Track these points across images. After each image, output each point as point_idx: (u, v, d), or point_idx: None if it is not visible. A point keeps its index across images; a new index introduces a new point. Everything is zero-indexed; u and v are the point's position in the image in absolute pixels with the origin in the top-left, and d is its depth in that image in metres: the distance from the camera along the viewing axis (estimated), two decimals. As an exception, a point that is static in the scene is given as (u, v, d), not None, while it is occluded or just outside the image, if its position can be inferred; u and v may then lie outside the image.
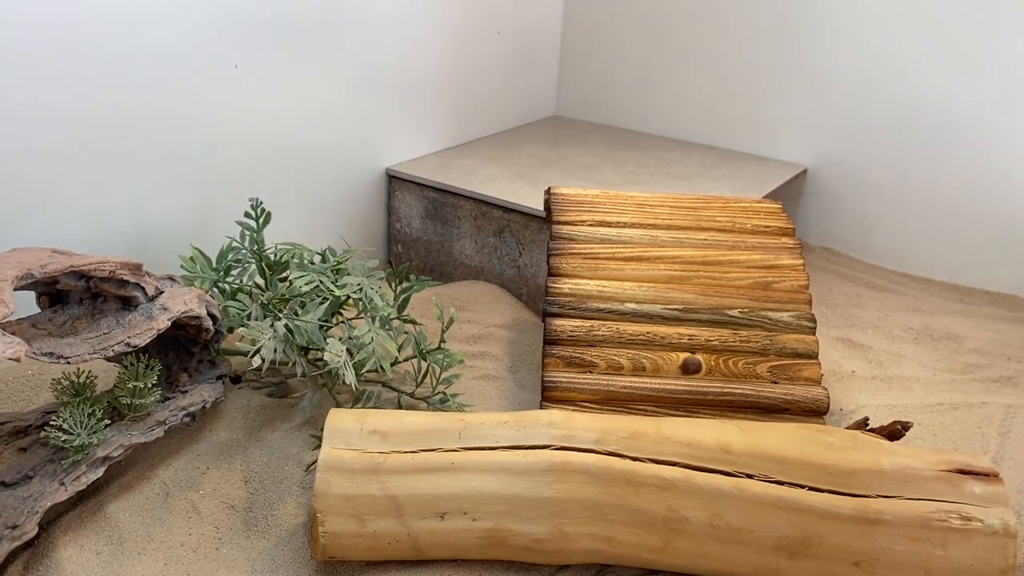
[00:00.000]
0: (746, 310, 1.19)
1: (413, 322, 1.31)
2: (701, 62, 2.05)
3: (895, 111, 1.80)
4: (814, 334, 1.17)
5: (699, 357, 1.16)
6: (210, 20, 1.40)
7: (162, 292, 1.03)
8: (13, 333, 0.86)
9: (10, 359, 0.74)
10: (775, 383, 1.15)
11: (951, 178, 1.77)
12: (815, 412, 1.14)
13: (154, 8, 1.31)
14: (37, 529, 0.89)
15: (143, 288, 1.00)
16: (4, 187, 1.21)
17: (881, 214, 1.88)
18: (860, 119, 1.86)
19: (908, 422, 1.06)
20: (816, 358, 1.16)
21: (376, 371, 1.20)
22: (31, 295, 0.99)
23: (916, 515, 0.92)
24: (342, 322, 1.24)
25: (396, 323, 1.26)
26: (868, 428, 1.06)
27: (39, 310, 0.97)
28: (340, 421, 0.98)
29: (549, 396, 1.15)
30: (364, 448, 0.95)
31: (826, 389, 1.15)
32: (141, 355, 1.03)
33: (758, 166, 1.94)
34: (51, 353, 0.89)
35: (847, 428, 1.04)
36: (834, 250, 1.96)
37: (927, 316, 1.63)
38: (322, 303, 1.17)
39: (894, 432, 1.06)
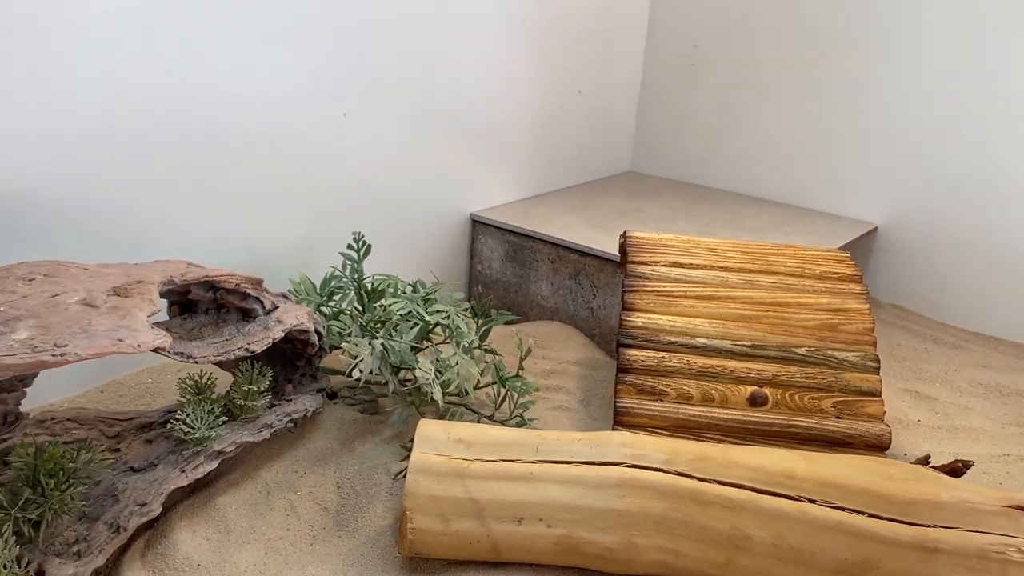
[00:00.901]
0: (813, 349, 1.21)
1: (493, 352, 1.38)
2: (774, 121, 2.08)
3: (965, 172, 1.81)
4: (878, 373, 1.19)
5: (766, 391, 1.19)
6: (326, 74, 1.51)
7: (277, 307, 1.12)
8: (151, 333, 0.97)
9: (158, 347, 0.85)
10: (839, 418, 1.17)
11: (1020, 238, 1.77)
12: (877, 447, 1.15)
13: (277, 62, 1.43)
14: (161, 508, 0.97)
15: (262, 302, 1.10)
16: (145, 215, 1.32)
17: (951, 273, 1.87)
18: (930, 179, 1.87)
19: (969, 461, 1.08)
20: (879, 396, 1.18)
21: (459, 393, 1.27)
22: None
23: (974, 546, 0.94)
24: (430, 346, 1.32)
25: (478, 352, 1.32)
26: (930, 465, 1.08)
27: (168, 318, 1.09)
28: (429, 430, 1.04)
29: (621, 421, 1.19)
30: (450, 454, 1.01)
31: (888, 426, 1.17)
32: (255, 362, 1.13)
33: (830, 223, 1.96)
34: (182, 353, 0.99)
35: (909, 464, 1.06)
36: (903, 307, 1.95)
37: (996, 373, 1.62)
38: (414, 327, 1.25)
39: (955, 469, 1.08)
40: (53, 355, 0.78)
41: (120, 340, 0.83)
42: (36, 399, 1.22)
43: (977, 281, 1.85)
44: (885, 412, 1.18)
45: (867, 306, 1.27)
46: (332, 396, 1.35)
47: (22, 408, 0.99)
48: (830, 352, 1.21)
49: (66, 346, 0.80)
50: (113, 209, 1.28)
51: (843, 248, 1.78)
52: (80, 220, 1.24)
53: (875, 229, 1.96)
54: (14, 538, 0.86)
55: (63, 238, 1.23)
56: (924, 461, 1.09)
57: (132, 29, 1.23)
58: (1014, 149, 1.75)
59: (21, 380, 0.93)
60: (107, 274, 0.94)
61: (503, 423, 1.27)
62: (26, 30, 1.12)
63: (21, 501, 0.88)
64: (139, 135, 1.28)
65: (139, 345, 0.83)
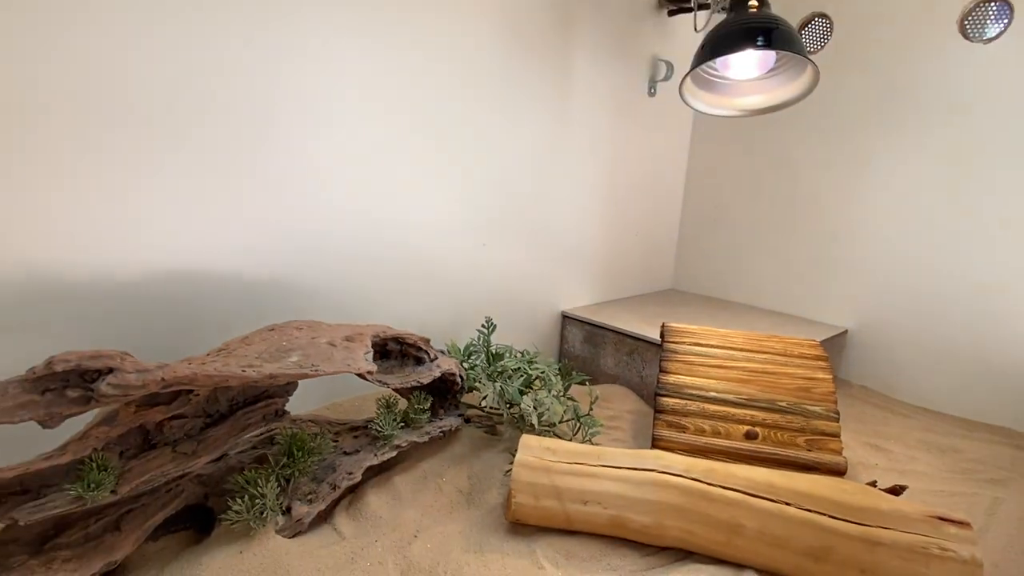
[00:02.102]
0: (791, 403, 1.21)
1: (573, 399, 1.42)
2: (771, 254, 2.10)
3: (912, 288, 1.79)
4: (838, 421, 1.18)
5: (757, 430, 1.19)
6: (472, 214, 1.59)
7: (437, 358, 1.20)
8: (363, 368, 1.10)
9: (368, 371, 0.97)
10: (809, 450, 1.16)
11: (958, 334, 1.71)
12: (836, 472, 1.14)
13: (443, 204, 1.53)
14: (360, 478, 1.05)
15: (428, 353, 1.20)
16: (362, 297, 1.41)
17: (904, 362, 1.82)
18: (885, 294, 1.84)
19: (905, 485, 1.07)
20: (839, 437, 1.16)
21: (549, 424, 1.31)
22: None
23: (907, 542, 0.93)
24: (531, 391, 1.38)
25: (563, 398, 1.35)
26: (876, 486, 1.08)
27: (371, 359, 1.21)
28: (528, 441, 1.09)
29: (656, 445, 1.21)
30: (541, 457, 1.06)
31: (845, 457, 1.14)
32: (422, 391, 1.23)
33: (812, 326, 1.94)
34: (380, 380, 1.11)
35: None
36: (869, 387, 1.90)
37: (938, 435, 1.56)
38: (521, 377, 1.31)
39: (894, 490, 1.07)
40: (311, 371, 0.92)
41: (348, 364, 0.96)
42: (292, 408, 1.35)
43: (925, 369, 1.79)
44: (843, 448, 1.17)
45: (830, 376, 1.27)
46: (467, 420, 1.40)
47: (285, 410, 1.12)
48: (803, 405, 1.21)
49: (318, 366, 0.93)
50: (343, 291, 1.40)
51: (821, 344, 1.78)
52: (325, 296, 1.36)
53: (845, 331, 1.93)
54: (276, 486, 0.98)
55: (313, 307, 1.35)
56: (872, 484, 1.08)
57: (354, 174, 1.38)
58: (947, 267, 1.73)
59: (287, 388, 1.07)
60: (342, 328, 1.08)
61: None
62: (291, 170, 1.31)
63: (281, 464, 1.01)
64: (362, 245, 1.40)
65: (359, 368, 0.96)
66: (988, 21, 1.62)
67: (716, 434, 1.21)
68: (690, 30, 2.04)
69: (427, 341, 1.19)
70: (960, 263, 1.71)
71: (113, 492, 0.82)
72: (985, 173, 1.66)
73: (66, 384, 0.76)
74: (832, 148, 1.93)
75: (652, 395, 1.68)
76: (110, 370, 0.76)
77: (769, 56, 1.42)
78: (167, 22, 1.06)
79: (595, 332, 1.85)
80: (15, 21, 0.93)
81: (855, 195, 1.89)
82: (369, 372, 0.97)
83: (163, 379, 0.77)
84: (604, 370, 1.85)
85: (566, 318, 1.94)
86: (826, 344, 1.83)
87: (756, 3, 1.39)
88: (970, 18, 1.65)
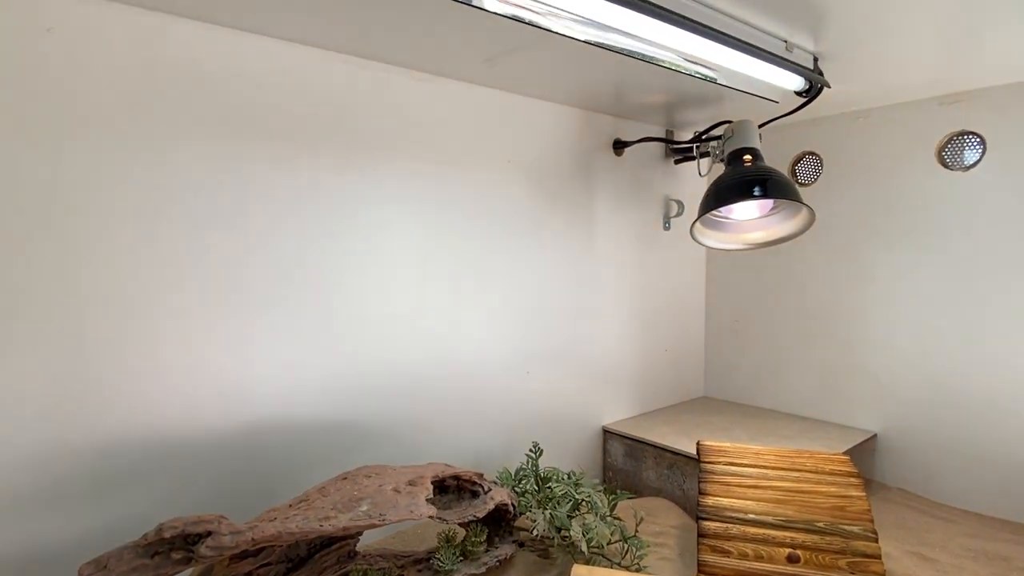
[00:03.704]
0: (829, 523, 1.15)
1: (619, 519, 1.37)
2: (794, 362, 2.05)
3: (935, 392, 1.71)
4: (877, 541, 1.10)
5: (799, 552, 1.13)
6: (520, 347, 1.63)
7: (491, 490, 1.20)
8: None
9: (430, 516, 0.98)
10: (852, 573, 1.09)
11: (989, 434, 1.61)
12: None
13: (494, 340, 1.59)
14: None
15: (483, 487, 1.20)
16: (422, 432, 1.44)
17: (938, 464, 1.71)
18: (909, 399, 1.76)
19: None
20: (880, 558, 1.08)
21: (598, 547, 1.27)
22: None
23: None
24: (580, 514, 1.35)
25: (609, 519, 1.32)
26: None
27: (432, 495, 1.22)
28: (579, 571, 1.07)
29: (702, 570, 1.15)
30: None
31: None
32: (478, 523, 1.22)
33: (841, 431, 1.85)
34: (440, 517, 1.11)
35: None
36: (906, 490, 1.77)
37: (983, 541, 1.43)
38: (569, 503, 1.28)
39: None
40: (378, 520, 0.93)
41: (411, 511, 0.97)
42: (364, 536, 1.35)
43: (960, 469, 1.67)
44: (885, 570, 1.09)
45: (864, 493, 1.20)
46: (521, 545, 1.35)
47: (356, 550, 1.13)
48: (841, 526, 1.15)
49: (384, 515, 0.94)
50: (405, 427, 1.42)
51: (851, 450, 1.70)
52: (389, 434, 1.39)
53: (874, 435, 1.84)
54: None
55: (380, 442, 1.38)
56: (921, 610, 1.00)
57: (410, 322, 1.45)
58: (973, 370, 1.66)
59: (359, 532, 1.08)
60: (405, 472, 1.10)
61: (627, 568, 1.27)
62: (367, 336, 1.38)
63: (353, 604, 1.00)
64: (420, 385, 1.44)
65: (421, 514, 0.97)
66: (965, 151, 1.66)
67: (759, 558, 1.15)
68: (695, 173, 2.15)
69: (480, 475, 1.20)
70: (975, 367, 1.64)
71: (207, 645, 0.83)
72: (981, 285, 1.63)
73: (171, 547, 0.79)
74: (835, 266, 1.93)
75: (695, 508, 1.61)
76: (209, 533, 0.79)
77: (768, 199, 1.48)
78: (277, 227, 1.19)
79: (635, 446, 1.81)
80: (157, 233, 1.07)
81: (862, 308, 1.87)
82: (431, 515, 0.97)
83: (253, 539, 0.80)
84: (647, 483, 1.79)
85: (607, 433, 1.91)
86: (857, 448, 1.75)
87: (750, 157, 1.47)
88: (946, 150, 1.69)
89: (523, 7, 0.93)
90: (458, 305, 1.53)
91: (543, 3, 0.92)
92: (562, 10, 0.94)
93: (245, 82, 1.16)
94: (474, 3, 0.89)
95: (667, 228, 2.10)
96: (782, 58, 1.25)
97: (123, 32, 1.03)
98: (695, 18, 1.06)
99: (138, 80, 1.05)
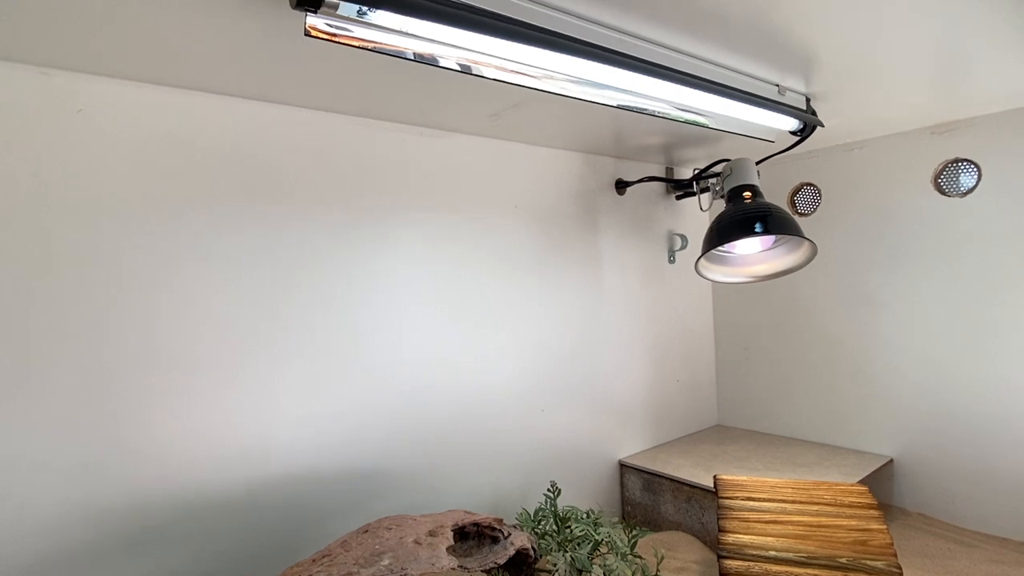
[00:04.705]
0: (852, 558, 1.11)
1: (640, 557, 1.35)
2: (803, 387, 2.01)
3: (949, 416, 1.67)
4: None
5: None
6: (534, 384, 1.62)
7: (511, 534, 1.18)
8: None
9: (450, 567, 0.97)
10: None
11: (1007, 456, 1.56)
12: None
13: (508, 375, 1.59)
14: None
15: (502, 532, 1.18)
16: (439, 477, 1.42)
17: (956, 487, 1.66)
18: (924, 423, 1.72)
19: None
20: None
21: None
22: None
23: None
24: (601, 555, 1.32)
25: (630, 557, 1.29)
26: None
27: (451, 542, 1.20)
28: None
29: None
30: None
31: None
32: (500, 569, 1.19)
33: (858, 457, 1.81)
34: (461, 566, 1.09)
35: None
36: (926, 515, 1.71)
37: (1007, 567, 1.38)
38: (589, 544, 1.27)
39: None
40: (400, 574, 0.92)
41: (432, 563, 0.95)
42: None
43: (979, 492, 1.62)
44: (915, 608, 1.05)
45: (885, 526, 1.17)
46: None
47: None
48: (864, 561, 1.11)
49: (406, 568, 0.93)
50: (424, 472, 1.41)
51: (868, 476, 1.65)
52: (408, 479, 1.38)
53: (891, 461, 1.79)
54: None
55: (400, 488, 1.37)
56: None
57: (426, 371, 1.44)
58: (987, 392, 1.62)
59: None
60: (425, 522, 1.09)
61: (650, 609, 1.23)
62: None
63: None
64: (437, 430, 1.44)
65: (442, 566, 0.95)
66: (960, 176, 1.65)
67: (783, 597, 1.10)
68: (697, 208, 2.15)
69: (500, 521, 1.18)
70: (989, 389, 1.60)
71: None
72: (989, 307, 1.60)
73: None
74: (841, 292, 1.91)
75: (715, 542, 1.57)
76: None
77: (769, 234, 1.48)
78: (299, 282, 1.21)
79: (652, 480, 1.78)
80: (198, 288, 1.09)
81: (870, 333, 1.84)
82: (452, 567, 0.96)
83: (279, 601, 0.79)
84: (665, 516, 1.75)
85: (624, 467, 1.88)
86: (875, 475, 1.70)
87: (750, 193, 1.48)
88: (942, 177, 1.69)
89: (520, 72, 0.96)
90: (471, 348, 1.53)
91: (539, 67, 0.94)
92: (557, 72, 0.97)
93: (271, 150, 1.19)
94: (474, 72, 0.91)
95: (672, 262, 2.10)
96: (775, 102, 1.27)
97: (146, 108, 1.07)
98: (688, 71, 1.08)
99: (162, 152, 1.09)
